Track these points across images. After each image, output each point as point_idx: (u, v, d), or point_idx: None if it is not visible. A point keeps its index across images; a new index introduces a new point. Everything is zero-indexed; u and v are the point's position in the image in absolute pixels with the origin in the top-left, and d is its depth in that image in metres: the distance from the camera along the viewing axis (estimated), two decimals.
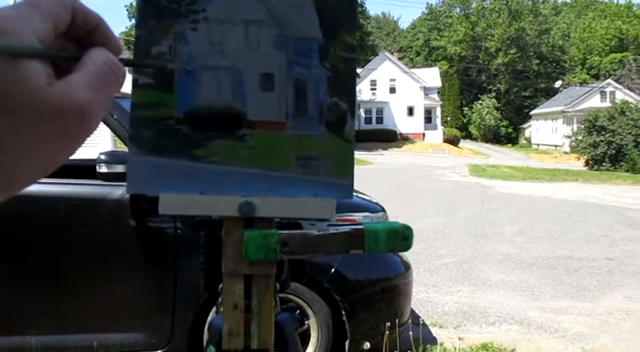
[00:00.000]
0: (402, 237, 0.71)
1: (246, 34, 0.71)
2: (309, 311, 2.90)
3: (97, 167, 2.66)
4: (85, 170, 3.05)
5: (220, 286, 0.72)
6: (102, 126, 2.81)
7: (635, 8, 61.68)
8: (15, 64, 0.30)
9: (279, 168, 0.71)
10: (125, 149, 3.13)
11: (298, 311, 2.89)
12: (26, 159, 0.32)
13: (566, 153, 34.70)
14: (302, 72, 0.71)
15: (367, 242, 0.70)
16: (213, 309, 2.69)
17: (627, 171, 24.04)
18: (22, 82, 0.31)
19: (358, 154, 27.87)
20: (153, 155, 0.69)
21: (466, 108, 56.26)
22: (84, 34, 0.37)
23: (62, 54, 0.35)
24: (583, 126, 28.06)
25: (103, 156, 2.68)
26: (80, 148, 0.36)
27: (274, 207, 0.70)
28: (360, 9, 41.77)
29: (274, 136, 0.71)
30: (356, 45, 0.73)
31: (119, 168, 2.62)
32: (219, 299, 0.73)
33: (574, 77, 55.13)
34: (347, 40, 0.72)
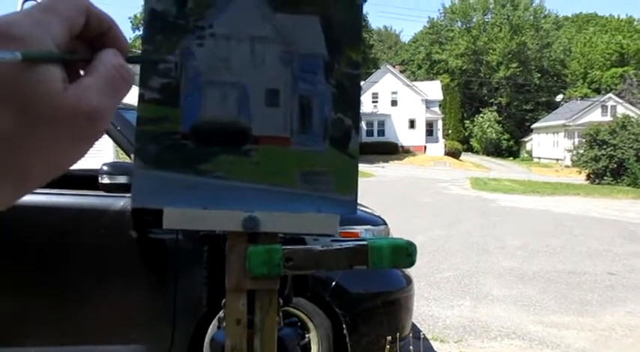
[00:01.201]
0: (406, 253, 0.71)
1: (252, 50, 0.71)
2: (310, 325, 2.89)
3: (100, 178, 2.66)
4: (88, 181, 3.06)
5: (223, 301, 0.72)
6: (104, 137, 2.82)
7: (635, 23, 62.00)
8: (33, 70, 0.32)
9: (284, 184, 0.71)
10: (127, 160, 3.14)
11: (299, 324, 2.87)
12: (39, 161, 0.34)
13: (567, 166, 34.70)
14: (307, 88, 0.72)
15: (371, 258, 0.70)
16: (214, 321, 2.68)
17: (629, 185, 24.02)
18: (40, 87, 0.32)
19: (360, 167, 27.71)
20: (158, 169, 0.69)
21: (467, 122, 56.35)
22: (96, 35, 0.38)
23: (76, 58, 0.37)
24: (584, 140, 28.09)
25: (105, 168, 2.68)
26: (87, 153, 0.37)
27: (278, 222, 0.70)
28: (362, 22, 41.96)
29: (279, 152, 0.71)
30: (361, 61, 0.73)
31: (121, 179, 2.63)
32: (222, 314, 0.73)
33: (575, 91, 55.28)
34: (352, 57, 0.73)
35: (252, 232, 0.70)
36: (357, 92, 0.73)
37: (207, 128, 0.70)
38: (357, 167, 0.72)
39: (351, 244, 0.71)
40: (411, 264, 0.71)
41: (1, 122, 0.31)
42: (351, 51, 0.72)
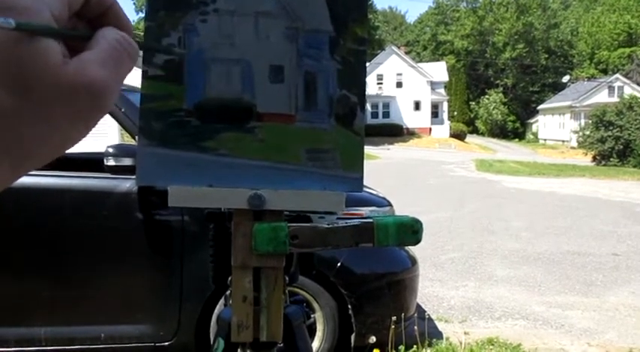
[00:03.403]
0: (412, 230, 0.70)
1: (256, 26, 0.70)
2: (316, 305, 2.91)
3: (105, 160, 2.67)
4: (93, 163, 3.06)
5: (229, 279, 0.72)
6: (109, 119, 2.82)
7: None
8: (32, 42, 0.30)
9: (289, 161, 0.70)
10: (132, 142, 3.14)
11: (305, 304, 2.89)
12: (38, 139, 0.32)
13: (573, 148, 34.51)
14: (312, 64, 0.71)
15: (377, 235, 0.70)
16: (221, 301, 2.70)
17: (635, 166, 23.90)
18: (39, 60, 0.31)
19: (365, 149, 27.79)
20: (162, 147, 0.69)
21: (473, 103, 55.98)
22: (96, 14, 0.37)
23: (76, 33, 0.35)
24: (590, 122, 27.90)
25: (110, 149, 2.68)
26: (89, 132, 0.35)
27: (284, 199, 0.70)
28: (368, 3, 41.52)
29: (284, 129, 0.70)
30: (367, 37, 0.72)
31: (127, 161, 2.63)
32: (228, 292, 0.73)
33: (582, 72, 54.66)
34: (357, 33, 0.71)
35: (258, 210, 0.70)
36: (363, 68, 0.72)
37: (211, 105, 0.69)
38: (362, 144, 0.72)
39: (357, 222, 0.71)
40: (417, 241, 0.71)
41: None
42: (356, 26, 0.71)
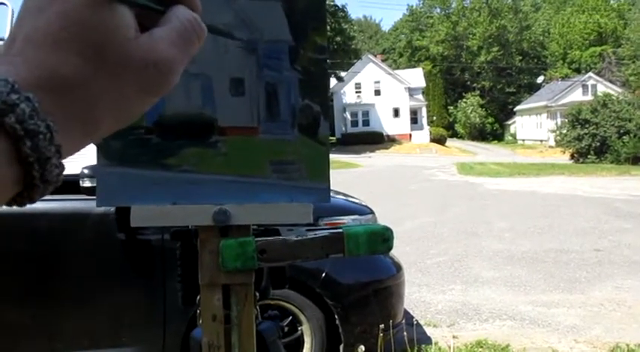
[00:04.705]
0: (383, 238, 0.69)
1: (215, 39, 0.69)
2: (302, 317, 2.88)
3: (81, 181, 2.62)
4: (69, 185, 3.01)
5: (198, 297, 0.70)
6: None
7: (612, 1, 62.45)
8: (108, 12, 0.32)
9: (254, 174, 0.69)
10: None
11: (291, 317, 2.87)
12: (106, 108, 0.33)
13: (551, 147, 35.01)
14: (272, 75, 0.70)
15: (347, 245, 0.69)
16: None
17: (612, 162, 24.33)
18: (112, 33, 0.32)
19: (346, 157, 27.99)
20: (123, 166, 0.67)
21: (451, 107, 56.56)
22: None
23: (151, 5, 0.36)
24: (567, 120, 28.40)
25: (85, 171, 2.64)
26: (152, 104, 0.36)
27: (250, 213, 0.68)
28: (342, 14, 41.85)
29: (247, 141, 0.69)
30: (327, 45, 0.71)
31: None
32: (199, 311, 0.71)
33: (556, 72, 55.59)
34: (317, 41, 0.71)
35: (224, 225, 0.68)
36: (325, 77, 0.71)
37: (171, 121, 0.68)
38: (328, 154, 0.70)
39: (326, 233, 0.70)
40: (388, 249, 0.70)
41: (71, 67, 0.31)
42: (316, 35, 0.70)
